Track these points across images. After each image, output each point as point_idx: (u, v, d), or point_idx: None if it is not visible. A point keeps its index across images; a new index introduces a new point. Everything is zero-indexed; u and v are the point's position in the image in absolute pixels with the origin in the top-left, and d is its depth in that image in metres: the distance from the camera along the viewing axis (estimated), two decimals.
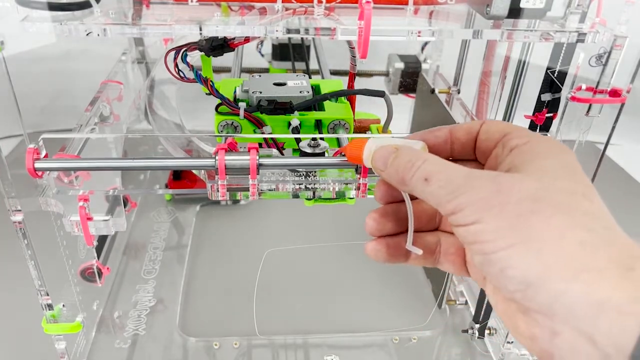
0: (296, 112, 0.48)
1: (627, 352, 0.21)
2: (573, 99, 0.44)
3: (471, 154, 0.32)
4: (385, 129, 0.49)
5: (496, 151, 0.30)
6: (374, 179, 0.42)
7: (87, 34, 0.38)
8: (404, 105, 0.79)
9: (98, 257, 0.57)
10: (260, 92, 0.48)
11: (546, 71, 0.46)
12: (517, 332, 0.27)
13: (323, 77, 0.63)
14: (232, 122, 0.48)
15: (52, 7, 0.38)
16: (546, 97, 0.47)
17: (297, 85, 0.51)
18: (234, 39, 0.46)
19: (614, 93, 0.43)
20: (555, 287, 0.23)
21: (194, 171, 0.45)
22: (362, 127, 0.52)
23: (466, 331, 0.64)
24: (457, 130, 0.32)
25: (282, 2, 0.41)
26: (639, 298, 0.21)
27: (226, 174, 0.40)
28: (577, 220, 0.24)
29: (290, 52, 0.72)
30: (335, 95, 0.49)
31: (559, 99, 0.47)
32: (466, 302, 0.68)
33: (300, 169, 0.42)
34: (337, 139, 0.47)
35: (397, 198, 0.33)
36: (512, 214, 0.25)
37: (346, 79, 0.52)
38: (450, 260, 0.32)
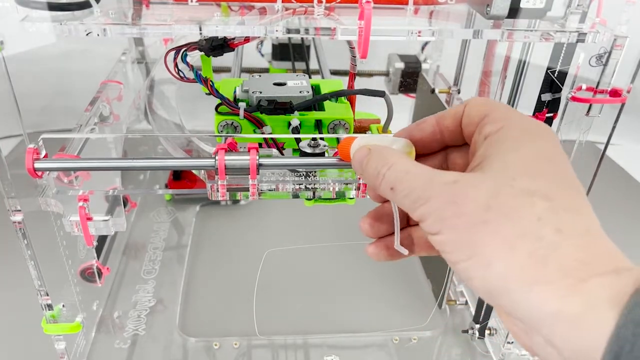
0: (296, 112, 0.48)
1: None
2: (573, 99, 0.44)
3: (464, 140, 0.31)
4: (385, 129, 0.49)
5: (475, 137, 0.29)
6: None
7: (87, 34, 0.38)
8: (404, 105, 0.79)
9: (98, 257, 0.57)
10: (260, 92, 0.48)
11: (546, 71, 0.46)
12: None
13: (323, 77, 0.63)
14: (232, 122, 0.47)
15: (52, 7, 0.38)
16: (546, 97, 0.47)
17: (297, 85, 0.51)
18: (233, 38, 0.46)
19: (615, 93, 0.43)
20: (512, 298, 0.24)
21: (193, 171, 0.44)
22: (362, 127, 0.51)
23: (466, 331, 0.64)
24: (444, 118, 0.31)
25: (282, 2, 0.41)
26: (591, 309, 0.21)
27: (226, 174, 0.40)
28: (528, 227, 0.23)
29: (290, 52, 0.72)
30: (335, 95, 0.49)
31: (559, 99, 0.47)
32: (466, 302, 0.68)
33: (300, 169, 0.42)
34: (337, 139, 0.47)
35: None
36: (466, 226, 0.24)
37: (346, 78, 0.52)
38: None
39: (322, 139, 0.43)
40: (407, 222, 0.34)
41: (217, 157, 0.39)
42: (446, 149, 0.32)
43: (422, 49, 0.77)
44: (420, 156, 0.32)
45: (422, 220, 0.26)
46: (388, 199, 0.32)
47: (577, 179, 0.26)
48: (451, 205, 0.25)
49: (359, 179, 0.42)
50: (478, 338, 0.63)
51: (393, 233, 0.33)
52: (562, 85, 0.46)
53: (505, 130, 0.27)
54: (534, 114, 0.48)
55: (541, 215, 0.24)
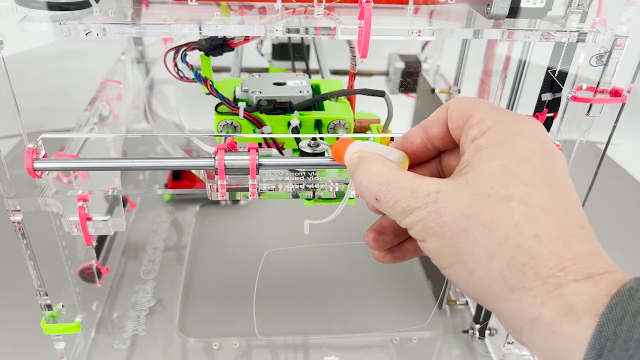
0: (296, 112, 0.48)
1: None
2: (574, 98, 0.44)
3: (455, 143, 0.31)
4: (385, 129, 0.49)
5: (462, 140, 0.29)
6: None
7: (86, 34, 0.38)
8: (405, 105, 0.79)
9: (97, 258, 0.57)
10: (260, 92, 0.48)
11: (547, 71, 0.46)
12: None
13: (323, 77, 0.63)
14: (232, 122, 0.47)
15: (51, 6, 0.38)
16: (547, 96, 0.47)
17: (297, 85, 0.51)
18: (233, 38, 0.45)
19: (615, 93, 0.43)
20: (494, 303, 0.25)
21: (193, 171, 0.44)
22: (362, 127, 0.51)
23: (467, 332, 0.64)
24: (429, 127, 0.31)
25: (282, 1, 0.41)
26: (567, 315, 0.22)
27: (226, 174, 0.40)
28: (506, 235, 0.24)
29: (290, 51, 0.72)
30: (335, 95, 0.49)
31: (559, 98, 0.47)
32: (466, 303, 0.68)
33: (300, 169, 0.42)
34: (337, 139, 0.47)
35: None
36: (448, 234, 0.25)
37: (346, 78, 0.52)
38: None
39: (322, 139, 0.42)
40: None
41: (216, 157, 0.39)
42: (440, 153, 0.32)
43: (422, 48, 0.77)
44: (417, 164, 0.33)
45: (409, 228, 0.27)
46: None
47: (562, 171, 0.26)
48: (435, 215, 0.25)
49: None
50: (478, 338, 0.63)
51: (398, 244, 0.33)
52: (563, 85, 0.46)
53: (489, 134, 0.27)
54: (534, 114, 0.48)
55: (519, 221, 0.24)
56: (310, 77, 0.54)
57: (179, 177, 0.84)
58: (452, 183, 0.26)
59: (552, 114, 0.48)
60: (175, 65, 0.47)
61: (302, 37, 0.69)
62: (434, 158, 0.32)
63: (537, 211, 0.24)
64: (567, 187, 0.26)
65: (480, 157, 0.26)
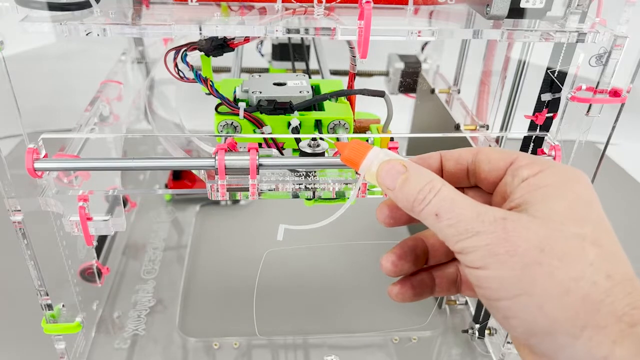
0: (296, 112, 0.48)
1: None
2: (573, 98, 0.44)
3: (463, 182, 0.31)
4: (385, 129, 0.49)
5: (505, 179, 0.29)
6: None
7: (87, 34, 0.38)
8: (404, 105, 0.79)
9: (98, 257, 0.57)
10: (260, 92, 0.48)
11: (546, 71, 0.46)
12: None
13: (323, 77, 0.63)
14: (232, 122, 0.47)
15: (52, 7, 0.38)
16: (546, 97, 0.47)
17: (297, 85, 0.51)
18: (233, 38, 0.46)
19: (614, 93, 0.43)
20: (559, 341, 0.24)
21: (193, 171, 0.45)
22: (362, 127, 0.51)
23: (466, 331, 0.64)
24: (447, 158, 0.31)
25: (282, 2, 0.41)
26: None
27: (226, 174, 0.40)
28: (582, 271, 0.24)
29: (290, 52, 0.72)
30: (335, 95, 0.49)
31: (559, 99, 0.47)
32: (466, 302, 0.68)
33: (300, 169, 0.42)
34: (337, 139, 0.47)
35: (402, 219, 0.32)
36: (518, 264, 0.24)
37: (346, 78, 0.52)
38: (471, 288, 0.31)
39: (322, 139, 0.43)
40: (426, 262, 0.33)
41: (217, 157, 0.39)
42: (463, 189, 0.32)
43: (422, 49, 0.77)
44: None
45: (465, 252, 0.26)
46: (404, 222, 0.32)
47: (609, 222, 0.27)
48: (504, 243, 0.25)
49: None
50: (478, 338, 0.63)
51: (417, 272, 0.33)
52: (562, 85, 0.46)
53: (543, 175, 0.27)
54: (533, 114, 0.48)
55: (593, 260, 0.24)
56: (310, 77, 0.54)
57: (179, 177, 0.84)
58: (515, 214, 0.26)
59: (551, 114, 0.48)
60: (176, 65, 0.47)
61: (302, 38, 0.69)
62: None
63: (607, 253, 0.24)
64: (613, 232, 0.26)
65: (541, 194, 0.26)
